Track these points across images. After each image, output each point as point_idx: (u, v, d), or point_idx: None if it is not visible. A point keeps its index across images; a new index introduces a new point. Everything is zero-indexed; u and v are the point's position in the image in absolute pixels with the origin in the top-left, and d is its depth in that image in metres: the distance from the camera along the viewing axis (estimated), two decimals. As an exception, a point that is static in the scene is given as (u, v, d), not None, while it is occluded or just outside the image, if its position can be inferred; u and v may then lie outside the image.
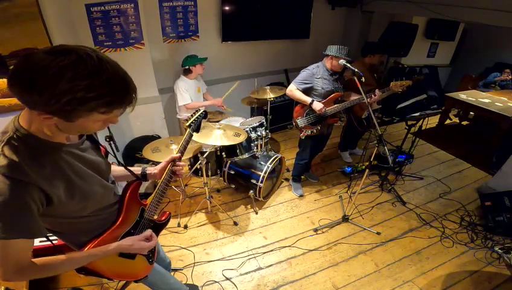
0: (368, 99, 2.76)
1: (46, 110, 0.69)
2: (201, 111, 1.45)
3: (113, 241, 1.04)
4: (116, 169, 1.23)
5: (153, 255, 1.28)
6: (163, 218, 1.35)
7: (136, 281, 1.26)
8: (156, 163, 3.17)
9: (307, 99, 2.52)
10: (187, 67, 3.03)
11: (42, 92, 0.65)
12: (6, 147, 0.74)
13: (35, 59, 0.65)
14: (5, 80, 2.28)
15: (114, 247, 1.02)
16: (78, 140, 0.94)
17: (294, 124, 2.73)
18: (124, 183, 1.21)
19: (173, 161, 1.25)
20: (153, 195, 1.23)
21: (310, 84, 2.53)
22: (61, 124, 0.75)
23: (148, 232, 1.14)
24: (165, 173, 1.22)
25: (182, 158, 1.31)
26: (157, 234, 1.30)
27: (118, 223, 1.09)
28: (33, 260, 0.83)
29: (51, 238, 1.01)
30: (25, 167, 0.74)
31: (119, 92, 0.73)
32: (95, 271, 1.05)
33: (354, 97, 2.68)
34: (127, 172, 1.23)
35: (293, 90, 2.55)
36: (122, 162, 1.21)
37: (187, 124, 1.40)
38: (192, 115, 1.43)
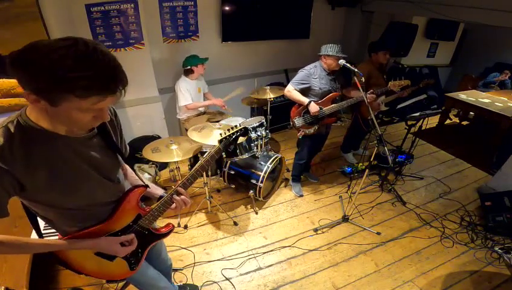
0: (366, 99, 2.78)
1: (29, 89, 0.70)
2: (241, 128, 1.27)
3: (95, 238, 1.03)
4: (129, 174, 1.22)
5: (136, 262, 1.22)
6: (163, 230, 1.29)
7: (108, 282, 1.23)
8: (155, 163, 3.19)
9: (304, 100, 2.52)
10: (189, 67, 3.03)
11: (27, 68, 0.68)
12: (0, 130, 0.77)
13: (39, 42, 0.69)
14: (5, 80, 2.28)
15: (86, 244, 1.01)
16: (86, 134, 0.92)
17: (291, 123, 2.74)
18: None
19: (176, 192, 1.17)
20: (154, 206, 1.18)
21: (307, 85, 2.53)
22: (49, 109, 0.75)
23: (130, 236, 1.10)
24: (166, 195, 1.17)
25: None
26: (150, 243, 1.26)
27: (106, 222, 1.06)
28: None
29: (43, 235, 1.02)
30: (6, 152, 0.76)
31: (101, 78, 0.71)
32: (67, 263, 1.05)
33: (354, 95, 2.68)
34: (135, 181, 1.22)
35: (291, 90, 2.55)
36: (125, 157, 1.18)
37: (220, 138, 1.23)
38: (228, 130, 1.25)
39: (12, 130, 0.78)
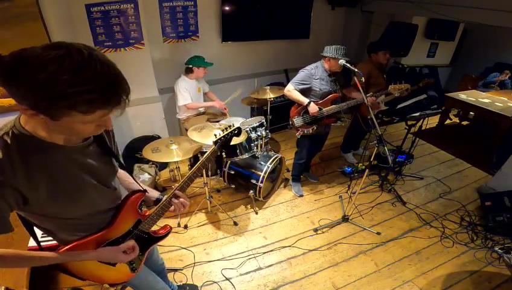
0: (366, 100, 2.79)
1: (26, 105, 0.66)
2: (235, 128, 1.32)
3: (96, 246, 1.02)
4: (123, 177, 1.21)
5: (137, 265, 1.23)
6: (162, 232, 1.30)
7: (111, 285, 1.22)
8: (155, 163, 3.19)
9: (304, 101, 2.52)
10: (190, 66, 3.03)
11: (21, 84, 0.63)
12: None
13: (27, 52, 0.63)
14: (5, 80, 2.27)
15: (88, 255, 1.00)
16: (82, 142, 0.91)
17: (291, 123, 2.74)
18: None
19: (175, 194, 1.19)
20: (153, 210, 1.19)
21: (308, 85, 2.53)
22: (49, 122, 0.71)
23: (131, 243, 1.09)
24: (164, 199, 1.18)
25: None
26: (149, 246, 1.27)
27: (107, 229, 1.05)
28: None
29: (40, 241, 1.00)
30: (6, 165, 0.72)
31: (103, 91, 0.66)
32: (68, 270, 1.03)
33: (355, 96, 2.69)
34: (129, 184, 1.21)
35: (291, 90, 2.55)
36: (122, 162, 1.18)
37: (214, 139, 1.27)
38: (223, 131, 1.29)
39: (9, 141, 0.74)
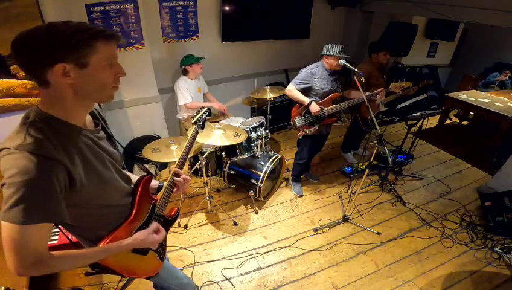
0: (366, 100, 2.78)
1: (57, 57, 0.72)
2: (206, 109, 1.51)
3: (127, 236, 1.03)
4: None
5: (163, 251, 1.27)
6: (173, 213, 1.36)
7: (147, 278, 1.25)
8: (155, 163, 3.19)
9: (305, 100, 2.52)
10: (183, 67, 3.03)
11: (48, 42, 0.71)
12: (31, 128, 0.75)
13: (26, 30, 0.73)
14: (5, 80, 2.28)
15: (129, 242, 1.01)
16: (94, 128, 0.98)
17: (292, 123, 2.74)
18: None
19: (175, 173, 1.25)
20: (161, 191, 1.24)
21: (308, 84, 2.53)
22: (77, 77, 0.76)
23: (154, 225, 1.13)
24: (167, 180, 1.23)
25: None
26: (167, 230, 1.30)
27: (131, 217, 1.08)
28: (51, 252, 0.79)
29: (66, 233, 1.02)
30: (50, 145, 0.74)
31: (105, 29, 0.80)
32: (108, 267, 1.03)
33: (354, 96, 2.69)
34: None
35: (292, 90, 2.56)
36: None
37: (193, 120, 1.45)
38: (197, 113, 1.48)
39: (40, 125, 0.76)
